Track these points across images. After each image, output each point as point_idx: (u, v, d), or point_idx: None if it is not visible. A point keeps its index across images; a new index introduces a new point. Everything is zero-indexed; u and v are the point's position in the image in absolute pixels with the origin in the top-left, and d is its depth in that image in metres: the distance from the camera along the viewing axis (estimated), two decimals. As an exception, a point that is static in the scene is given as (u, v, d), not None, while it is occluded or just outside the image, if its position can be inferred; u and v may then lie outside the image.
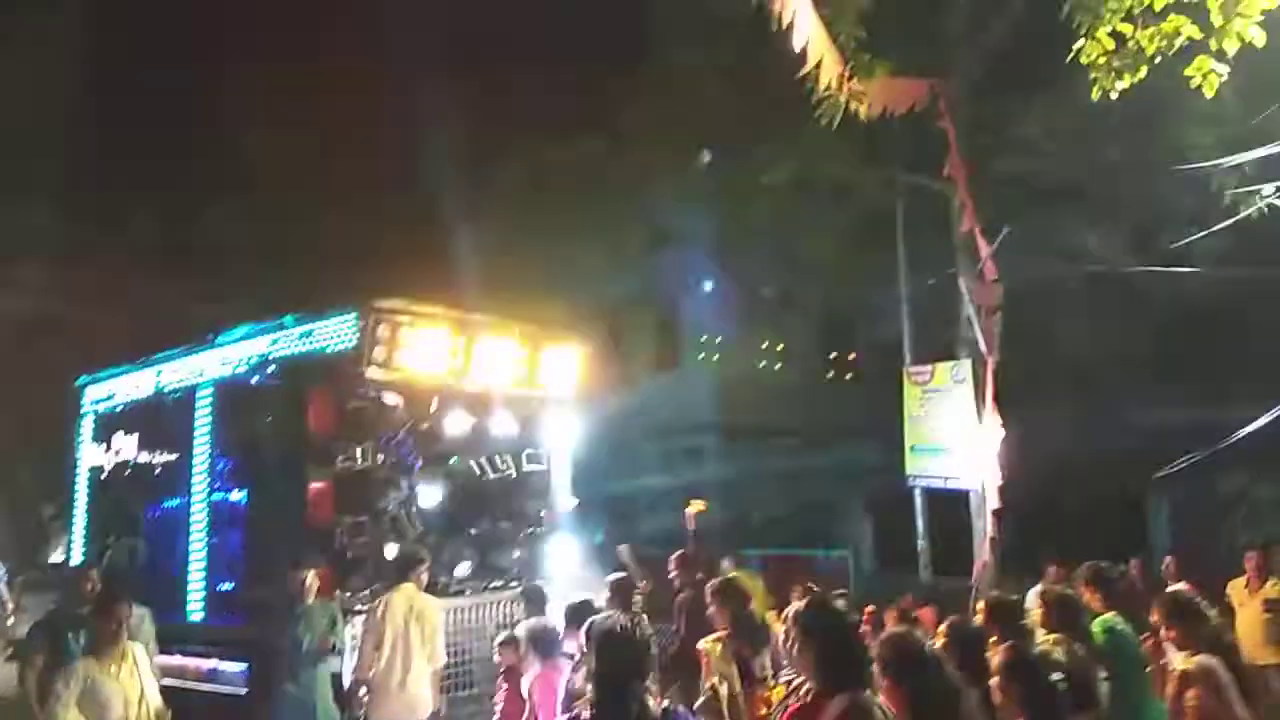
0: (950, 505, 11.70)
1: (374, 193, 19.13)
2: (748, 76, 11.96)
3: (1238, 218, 9.55)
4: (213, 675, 8.03)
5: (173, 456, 9.43)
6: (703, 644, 5.73)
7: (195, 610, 8.54)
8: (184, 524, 8.90)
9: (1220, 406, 11.83)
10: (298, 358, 8.29)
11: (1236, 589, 8.56)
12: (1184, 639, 4.52)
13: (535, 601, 7.54)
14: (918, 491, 12.99)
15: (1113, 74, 5.65)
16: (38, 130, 18.38)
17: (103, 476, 10.39)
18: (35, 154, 18.19)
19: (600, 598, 6.89)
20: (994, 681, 3.85)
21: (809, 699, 3.43)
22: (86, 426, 10.70)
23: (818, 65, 6.07)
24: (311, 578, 7.23)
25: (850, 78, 6.23)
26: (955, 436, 10.85)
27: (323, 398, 8.18)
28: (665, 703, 3.70)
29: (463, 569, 8.98)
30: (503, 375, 8.97)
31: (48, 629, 7.08)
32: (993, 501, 9.97)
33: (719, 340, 21.24)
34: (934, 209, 12.39)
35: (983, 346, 10.02)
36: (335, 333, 8.03)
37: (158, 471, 9.69)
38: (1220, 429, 10.69)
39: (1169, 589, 5.20)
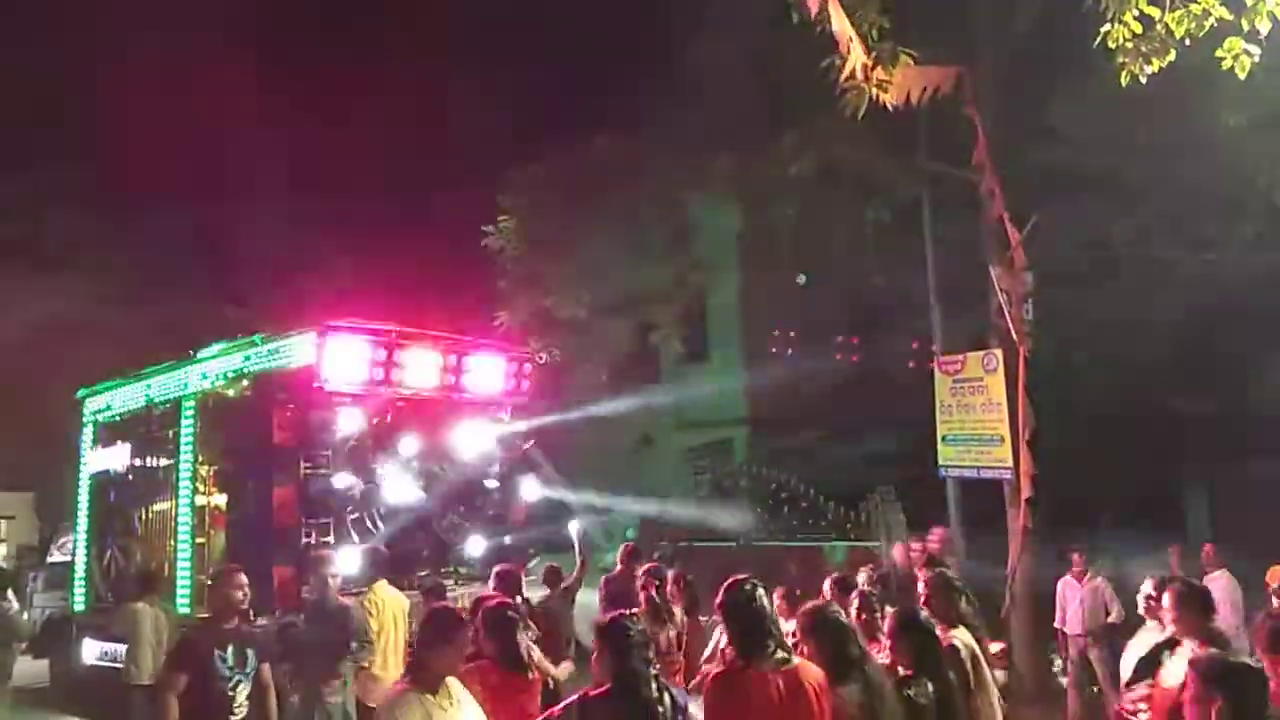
0: (983, 495, 11.62)
1: (389, 195, 19.26)
2: (771, 67, 11.91)
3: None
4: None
5: (162, 463, 10.23)
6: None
7: (183, 603, 9.30)
8: (172, 525, 9.65)
9: (1255, 392, 11.65)
10: (266, 373, 9.02)
11: (1276, 575, 8.46)
12: (942, 614, 5.11)
13: (436, 596, 7.85)
14: (950, 482, 12.90)
15: (1140, 58, 5.58)
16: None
17: (102, 481, 11.22)
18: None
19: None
20: (887, 642, 4.61)
21: (732, 666, 3.98)
22: (87, 435, 11.55)
23: (842, 54, 6.06)
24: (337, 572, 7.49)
25: (875, 66, 6.19)
26: (988, 426, 10.77)
27: (287, 409, 8.91)
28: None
29: (421, 566, 9.76)
30: (456, 384, 9.63)
31: (189, 649, 5.61)
32: (1025, 490, 9.91)
33: (746, 332, 21.19)
34: (963, 197, 12.29)
35: (1014, 335, 9.95)
36: (297, 349, 8.69)
37: (149, 477, 10.49)
38: (1257, 414, 10.54)
39: (937, 569, 5.84)
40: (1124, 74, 5.73)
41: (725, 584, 4.18)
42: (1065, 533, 10.22)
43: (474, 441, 10.36)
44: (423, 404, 9.57)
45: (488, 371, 9.98)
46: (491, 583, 7.62)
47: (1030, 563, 10.31)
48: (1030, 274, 9.84)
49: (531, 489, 10.77)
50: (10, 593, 9.75)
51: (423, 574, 9.38)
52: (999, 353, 10.57)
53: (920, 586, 5.53)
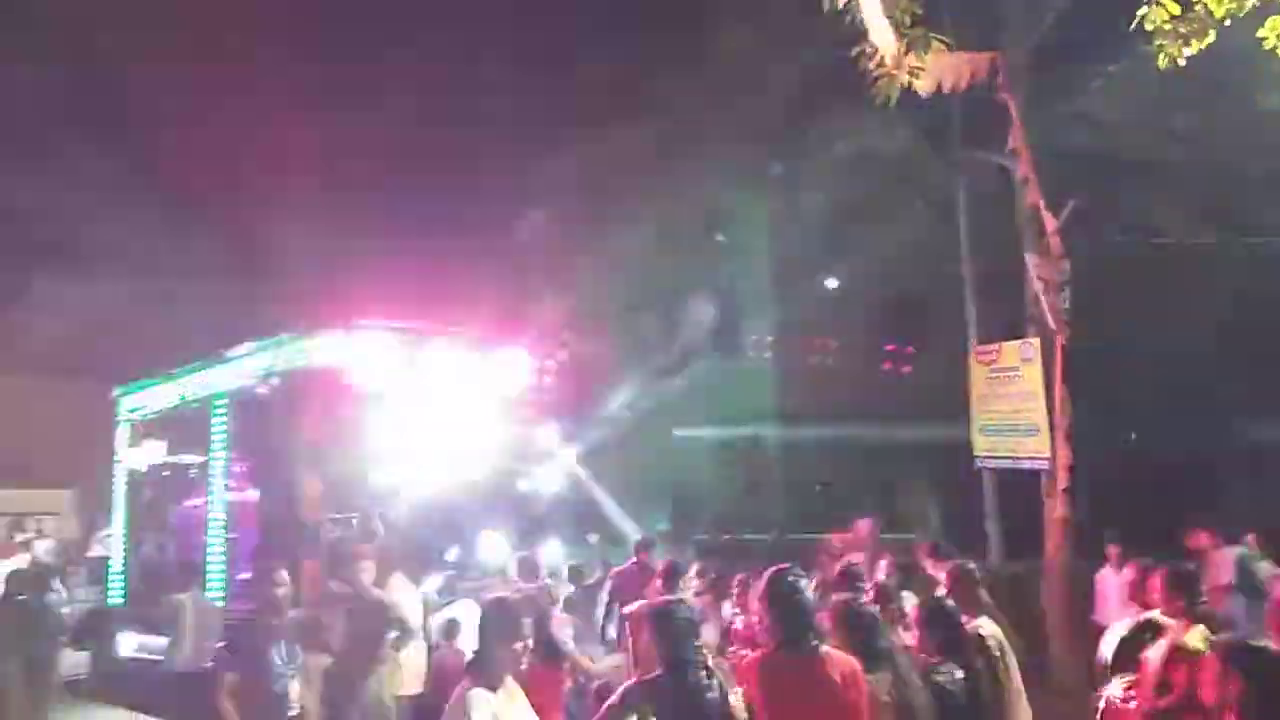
0: (1020, 486, 11.48)
1: (415, 190, 19.21)
2: (803, 57, 11.82)
3: None
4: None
5: (195, 459, 10.52)
6: (629, 610, 6.86)
7: (216, 596, 9.41)
8: (205, 520, 9.87)
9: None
10: (294, 370, 9.13)
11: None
12: (965, 604, 5.10)
13: (449, 591, 7.94)
14: (986, 473, 12.77)
15: (1179, 40, 5.45)
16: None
17: (137, 478, 11.54)
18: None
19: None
20: (912, 631, 4.68)
21: (771, 653, 4.02)
22: (123, 433, 11.83)
23: (873, 41, 5.99)
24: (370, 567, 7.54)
25: (907, 53, 6.11)
26: (1024, 416, 10.64)
27: (314, 406, 9.02)
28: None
29: (443, 561, 9.89)
30: (483, 382, 9.70)
31: (240, 642, 5.75)
32: (1063, 481, 9.78)
33: (780, 324, 21.08)
34: (998, 185, 12.13)
35: (1050, 323, 9.81)
36: (324, 347, 8.88)
37: (183, 473, 10.84)
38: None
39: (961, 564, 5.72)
40: (1162, 57, 5.60)
41: (769, 574, 4.23)
42: (1103, 525, 10.05)
43: (499, 437, 10.36)
44: (448, 399, 9.61)
45: (514, 367, 10.01)
46: (513, 567, 7.86)
47: (1067, 554, 10.17)
48: (1067, 261, 9.69)
49: (556, 485, 10.82)
50: (58, 582, 9.96)
51: (442, 569, 9.45)
52: (1036, 342, 10.42)
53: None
